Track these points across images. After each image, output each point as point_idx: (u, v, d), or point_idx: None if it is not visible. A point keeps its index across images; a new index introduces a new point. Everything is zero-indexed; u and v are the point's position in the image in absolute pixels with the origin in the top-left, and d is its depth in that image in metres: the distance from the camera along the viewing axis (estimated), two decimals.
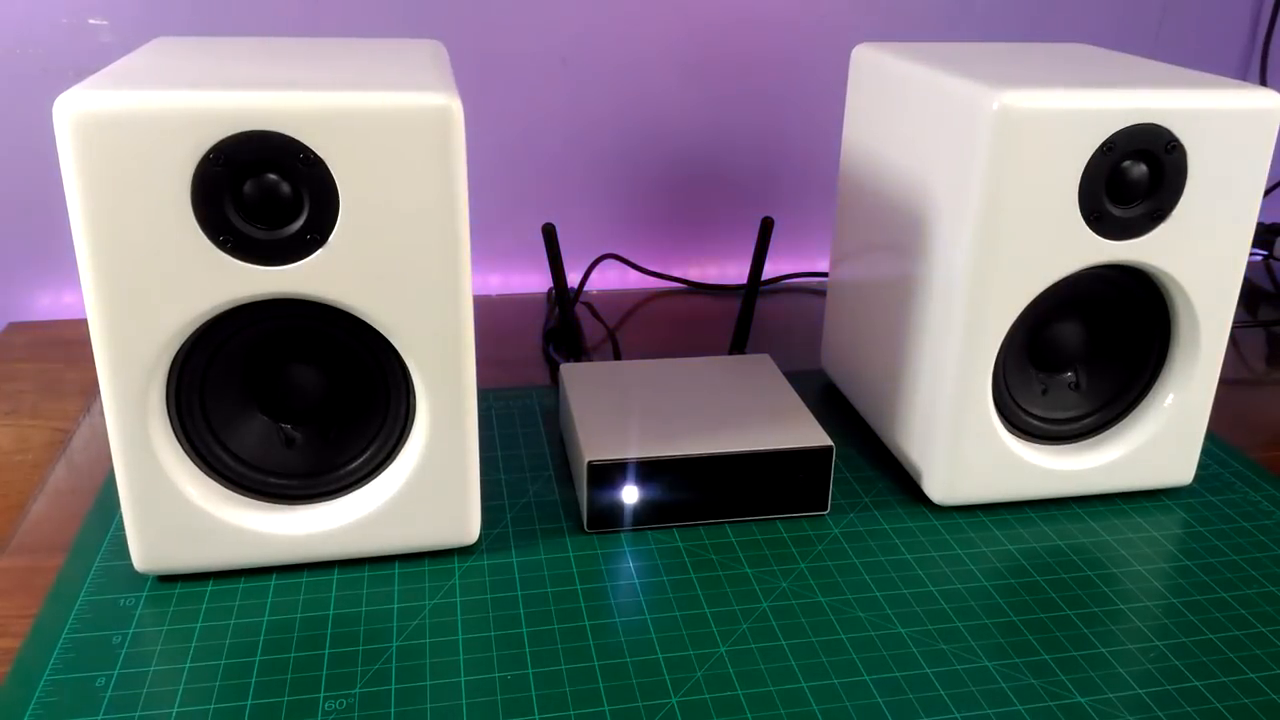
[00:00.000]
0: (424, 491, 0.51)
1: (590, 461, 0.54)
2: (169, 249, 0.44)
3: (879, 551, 0.55)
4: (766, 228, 0.71)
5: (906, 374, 0.59)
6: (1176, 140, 0.52)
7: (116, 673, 0.45)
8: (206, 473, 0.50)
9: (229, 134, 0.43)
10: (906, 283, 0.59)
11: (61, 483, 0.60)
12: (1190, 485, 0.61)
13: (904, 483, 0.61)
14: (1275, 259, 0.99)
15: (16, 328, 0.81)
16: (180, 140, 0.43)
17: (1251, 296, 0.93)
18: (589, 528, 0.56)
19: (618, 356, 0.78)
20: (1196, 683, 0.46)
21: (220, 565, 0.51)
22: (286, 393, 0.51)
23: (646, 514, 0.56)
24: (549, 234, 0.70)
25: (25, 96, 0.79)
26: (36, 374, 0.73)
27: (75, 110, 0.42)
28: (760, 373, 0.64)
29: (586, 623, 0.49)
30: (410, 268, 0.47)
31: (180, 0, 0.79)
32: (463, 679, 0.46)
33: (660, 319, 0.87)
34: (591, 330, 0.82)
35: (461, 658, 0.47)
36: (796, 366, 0.74)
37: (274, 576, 0.52)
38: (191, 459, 0.49)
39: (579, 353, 0.74)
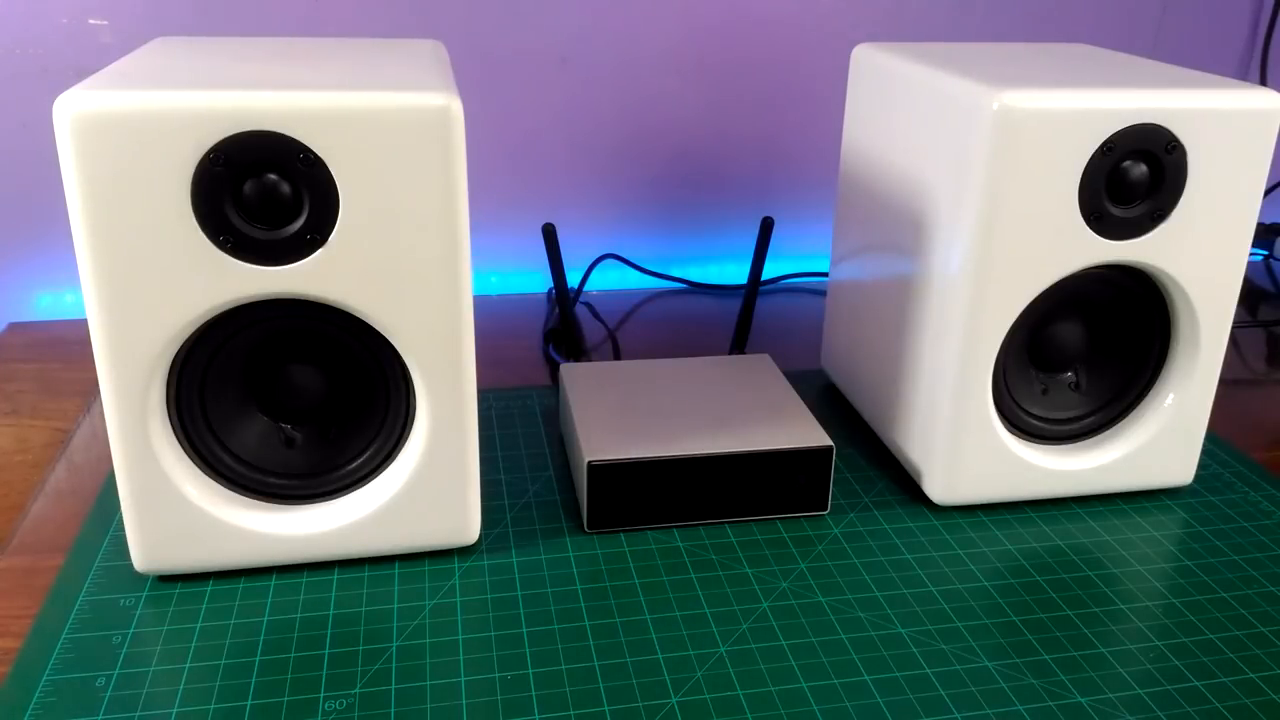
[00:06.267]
0: (424, 491, 0.51)
1: (590, 461, 0.54)
2: (169, 249, 0.44)
3: (879, 551, 0.55)
4: (766, 228, 0.71)
5: (906, 374, 0.59)
6: (1177, 140, 0.52)
7: (116, 673, 0.45)
8: (206, 473, 0.50)
9: (229, 134, 0.43)
10: (906, 283, 0.59)
11: (61, 483, 0.60)
12: (1190, 485, 0.61)
13: (904, 483, 0.61)
14: (1275, 259, 0.99)
15: (16, 328, 0.81)
16: (180, 140, 0.43)
17: (1251, 296, 0.93)
18: (589, 528, 0.56)
19: (618, 356, 0.78)
20: (1196, 683, 0.46)
21: (220, 565, 0.51)
22: (286, 392, 0.51)
23: (646, 514, 0.56)
24: (549, 234, 0.70)
25: (25, 96, 0.79)
26: (36, 374, 0.73)
27: (75, 110, 0.42)
28: (760, 373, 0.64)
29: (586, 623, 0.49)
30: (410, 268, 0.47)
31: (180, 0, 0.79)
32: (463, 679, 0.46)
33: (660, 319, 0.87)
34: (591, 330, 0.82)
35: (461, 658, 0.47)
36: (796, 366, 0.74)
37: (274, 576, 0.52)
38: (191, 459, 0.49)
39: (579, 353, 0.74)
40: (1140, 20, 0.96)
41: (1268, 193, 0.79)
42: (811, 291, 0.92)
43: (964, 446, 0.56)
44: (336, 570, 0.52)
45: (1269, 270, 0.99)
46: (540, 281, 0.92)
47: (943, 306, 0.55)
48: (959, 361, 0.55)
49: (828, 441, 0.57)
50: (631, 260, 0.92)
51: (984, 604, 0.51)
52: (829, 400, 0.71)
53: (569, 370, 0.64)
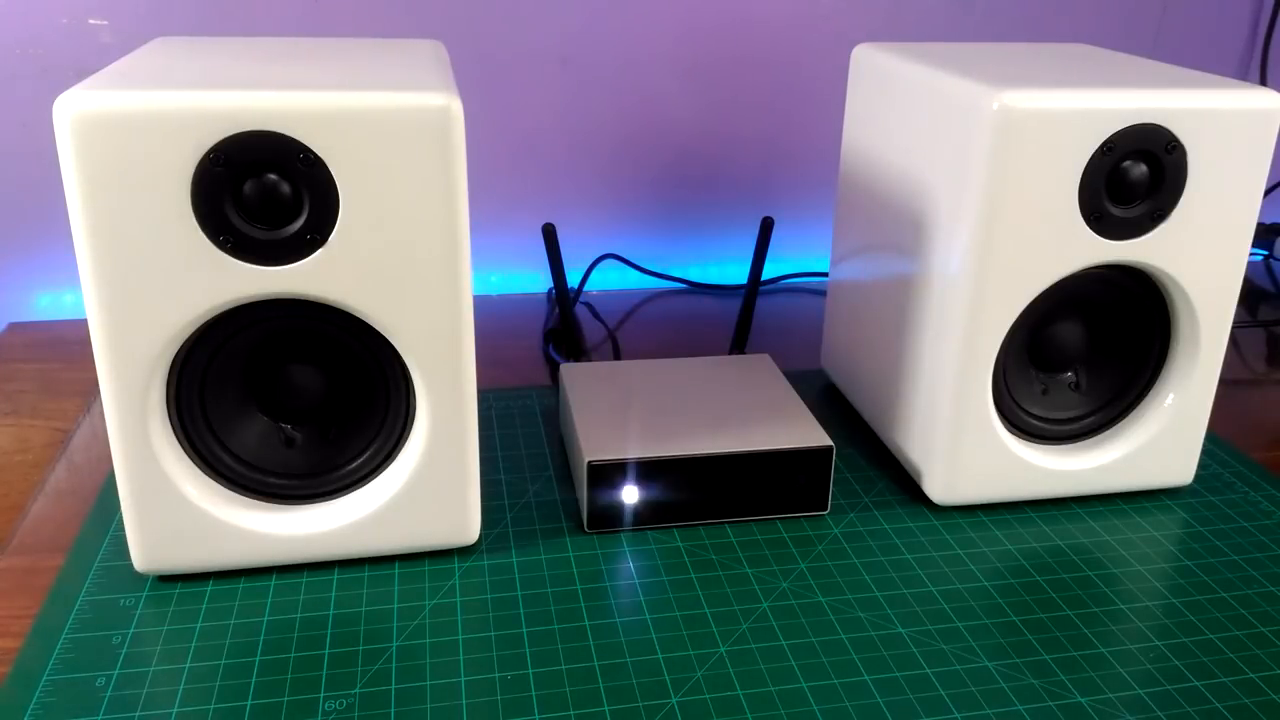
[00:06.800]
0: (424, 491, 0.51)
1: (590, 461, 0.54)
2: (169, 249, 0.44)
3: (879, 551, 0.55)
4: (766, 228, 0.71)
5: (906, 374, 0.59)
6: (1177, 140, 0.52)
7: (116, 673, 0.45)
8: (206, 473, 0.50)
9: (229, 134, 0.43)
10: (906, 283, 0.59)
11: (61, 483, 0.60)
12: (1190, 485, 0.61)
13: (904, 483, 0.61)
14: (1275, 259, 0.99)
15: (16, 328, 0.81)
16: (180, 140, 0.43)
17: (1251, 296, 0.93)
18: (589, 528, 0.56)
19: (618, 356, 0.78)
20: (1196, 683, 0.46)
21: (220, 565, 0.51)
22: (286, 392, 0.51)
23: (646, 514, 0.56)
24: (549, 234, 0.70)
25: (25, 96, 0.79)
26: (36, 374, 0.73)
27: (75, 110, 0.42)
28: (760, 373, 0.64)
29: (586, 623, 0.49)
30: (410, 268, 0.47)
31: (180, 0, 0.79)
32: (463, 679, 0.46)
33: (660, 319, 0.87)
34: (591, 330, 0.82)
35: (461, 658, 0.47)
36: (796, 366, 0.74)
37: (274, 576, 0.52)
38: (191, 459, 0.49)
39: (579, 353, 0.74)
40: (1140, 20, 0.96)
41: (1268, 193, 0.79)
42: (811, 291, 0.92)
43: (964, 446, 0.56)
44: (336, 570, 0.52)
45: (1269, 270, 0.99)
46: (540, 281, 0.92)
47: (943, 306, 0.55)
48: (959, 361, 0.55)
49: (828, 441, 0.57)
50: (631, 260, 0.92)
51: (984, 604, 0.51)
52: (829, 400, 0.71)
53: (569, 370, 0.64)
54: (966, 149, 0.52)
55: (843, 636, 0.49)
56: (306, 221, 0.45)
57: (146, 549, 0.50)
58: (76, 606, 0.49)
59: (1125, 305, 0.57)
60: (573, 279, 0.88)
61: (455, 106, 0.45)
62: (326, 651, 0.47)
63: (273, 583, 0.51)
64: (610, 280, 0.93)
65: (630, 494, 0.55)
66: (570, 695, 0.45)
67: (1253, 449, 0.66)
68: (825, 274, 0.91)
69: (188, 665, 0.46)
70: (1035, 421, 0.58)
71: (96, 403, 0.68)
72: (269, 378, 0.50)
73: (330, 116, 0.44)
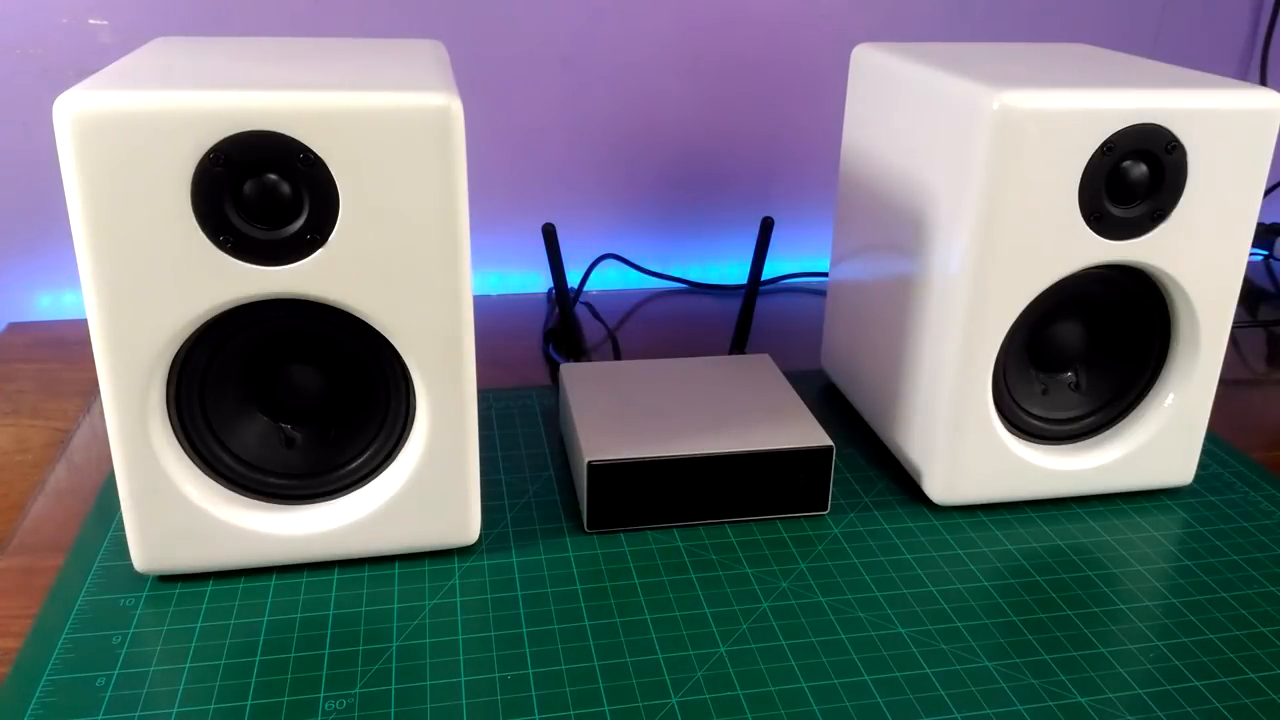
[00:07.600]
0: (424, 491, 0.51)
1: (590, 461, 0.54)
2: (169, 249, 0.44)
3: (879, 551, 0.55)
4: (766, 228, 0.71)
5: (906, 374, 0.59)
6: (1177, 140, 0.52)
7: (116, 673, 0.45)
8: (206, 473, 0.50)
9: (229, 134, 0.43)
10: (906, 283, 0.59)
11: (61, 483, 0.60)
12: (1190, 485, 0.61)
13: (904, 483, 0.61)
14: (1275, 259, 0.99)
15: (16, 328, 0.81)
16: (180, 140, 0.43)
17: (1251, 296, 0.93)
18: (589, 528, 0.56)
19: (618, 356, 0.78)
20: (1196, 683, 0.46)
21: (220, 565, 0.51)
22: (286, 392, 0.51)
23: (646, 514, 0.56)
24: (549, 234, 0.70)
25: (25, 96, 0.79)
26: (36, 374, 0.73)
27: (75, 110, 0.42)
28: (760, 373, 0.64)
29: (586, 623, 0.49)
30: (410, 268, 0.47)
31: (180, 0, 0.79)
32: (463, 679, 0.46)
33: (660, 319, 0.87)
34: (591, 330, 0.82)
35: (461, 658, 0.47)
36: (796, 366, 0.74)
37: (274, 576, 0.52)
38: (191, 459, 0.49)
39: (579, 353, 0.74)
40: (1140, 20, 0.96)
41: (1268, 193, 0.79)
42: (811, 291, 0.92)
43: (964, 446, 0.56)
44: (336, 570, 0.52)
45: (1269, 270, 0.99)
46: (540, 281, 0.92)
47: (943, 306, 0.55)
48: (959, 361, 0.55)
49: (828, 441, 0.57)
50: (631, 260, 0.92)
51: (984, 604, 0.51)
52: (829, 400, 0.71)
53: (569, 370, 0.64)
54: (966, 149, 0.52)
55: (843, 636, 0.49)
56: (306, 221, 0.45)
57: (146, 549, 0.50)
58: (76, 606, 0.49)
59: (1125, 305, 0.57)
60: (573, 279, 0.88)
61: (455, 106, 0.45)
62: (326, 651, 0.47)
63: (273, 583, 0.51)
64: (610, 280, 0.93)
65: (630, 494, 0.55)
66: (570, 695, 0.45)
67: (1253, 449, 0.66)
68: (825, 274, 0.91)
69: (188, 665, 0.46)
70: (1035, 421, 0.58)
71: (96, 403, 0.68)
72: (269, 378, 0.50)
73: (330, 116, 0.44)
